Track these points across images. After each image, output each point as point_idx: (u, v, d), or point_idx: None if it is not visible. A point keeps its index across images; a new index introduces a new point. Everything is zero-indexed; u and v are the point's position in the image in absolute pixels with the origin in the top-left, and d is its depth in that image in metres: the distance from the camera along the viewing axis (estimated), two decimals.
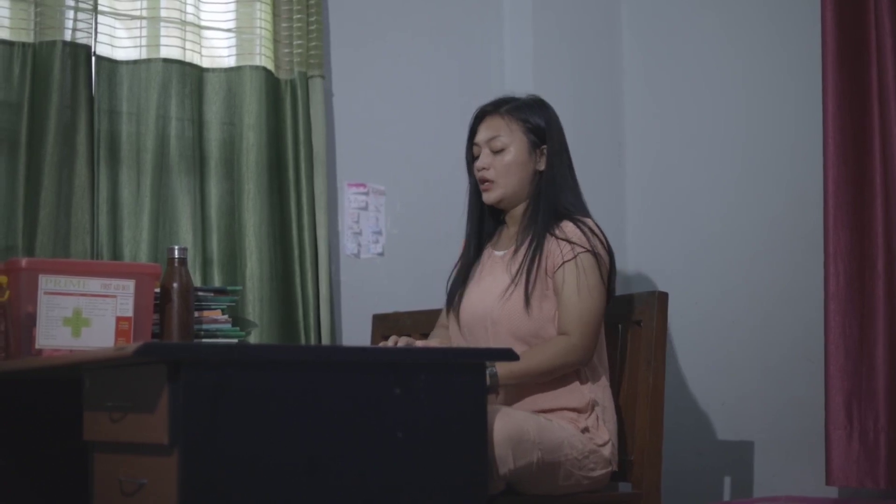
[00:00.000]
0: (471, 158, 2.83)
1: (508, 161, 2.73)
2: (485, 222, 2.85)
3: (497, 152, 2.74)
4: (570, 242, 2.63)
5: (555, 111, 2.82)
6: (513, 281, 2.65)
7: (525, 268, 2.65)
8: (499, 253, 2.78)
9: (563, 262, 2.63)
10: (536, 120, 2.76)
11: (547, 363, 2.58)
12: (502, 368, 2.53)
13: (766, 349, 3.38)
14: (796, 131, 3.35)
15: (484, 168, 2.75)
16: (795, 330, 3.30)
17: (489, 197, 2.76)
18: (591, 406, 2.64)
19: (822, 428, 3.03)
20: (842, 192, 3.02)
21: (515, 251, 2.72)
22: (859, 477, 2.95)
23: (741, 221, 3.49)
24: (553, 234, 2.66)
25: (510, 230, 2.81)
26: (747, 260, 3.46)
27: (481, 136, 2.77)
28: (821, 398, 3.05)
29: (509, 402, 2.63)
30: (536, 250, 2.66)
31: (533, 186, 2.75)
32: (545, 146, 2.75)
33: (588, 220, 2.69)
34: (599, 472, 2.61)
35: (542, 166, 2.74)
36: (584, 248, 2.62)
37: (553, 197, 2.71)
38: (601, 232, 2.69)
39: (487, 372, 2.48)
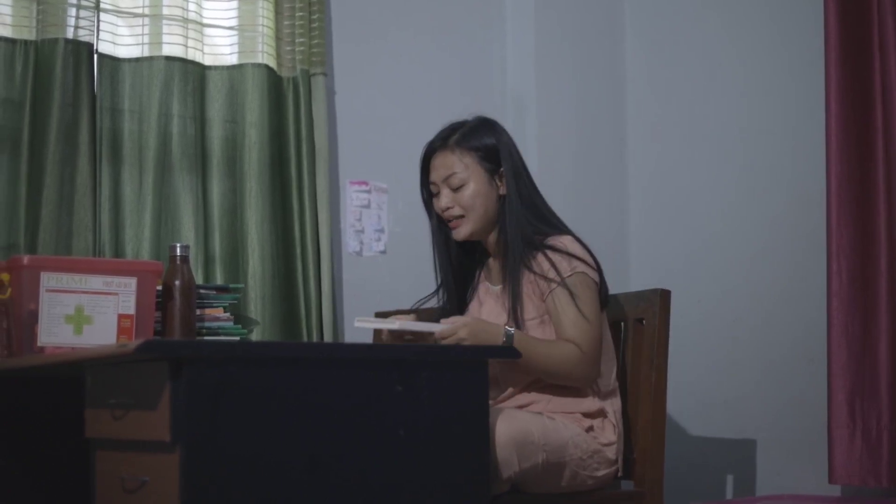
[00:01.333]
0: (428, 197, 2.73)
1: (470, 195, 2.63)
2: (454, 257, 2.76)
3: (457, 189, 2.64)
4: (546, 278, 2.57)
5: (504, 129, 2.72)
6: (509, 317, 2.62)
7: (511, 307, 2.61)
8: (494, 288, 2.73)
9: (548, 295, 2.58)
10: (487, 145, 2.65)
11: (556, 360, 2.53)
12: (518, 337, 2.49)
13: (768, 347, 3.38)
14: (798, 129, 3.35)
15: (448, 207, 2.66)
16: (797, 328, 3.30)
17: (459, 233, 2.67)
18: (601, 412, 2.63)
19: (824, 426, 3.03)
20: (844, 189, 3.02)
21: (504, 288, 2.67)
22: (862, 475, 2.94)
23: (743, 220, 3.49)
24: (531, 270, 2.59)
25: (497, 262, 2.74)
26: (749, 258, 3.46)
27: (436, 174, 2.66)
28: (823, 396, 3.05)
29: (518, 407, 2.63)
30: (517, 289, 2.60)
31: (499, 212, 2.66)
32: (502, 169, 2.66)
33: (558, 241, 2.61)
34: (604, 472, 2.60)
35: (503, 190, 2.66)
36: (556, 281, 2.56)
37: (517, 225, 2.62)
38: (577, 245, 2.62)
39: (504, 332, 2.47)
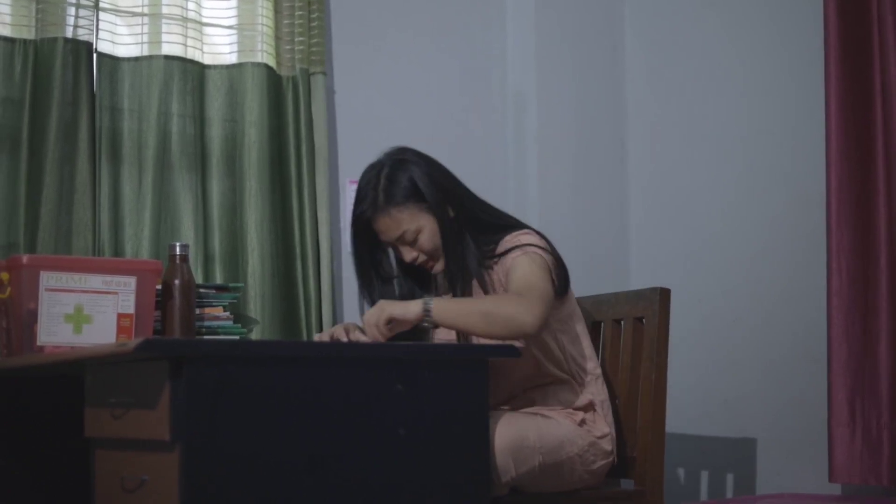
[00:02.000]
0: (368, 255, 2.66)
1: (428, 239, 2.58)
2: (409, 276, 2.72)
3: (414, 241, 2.59)
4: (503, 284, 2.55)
5: (415, 153, 2.63)
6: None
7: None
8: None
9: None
10: (411, 187, 2.57)
11: (490, 304, 2.43)
12: (438, 303, 2.40)
13: (768, 346, 3.38)
14: (798, 129, 3.35)
15: (415, 258, 2.61)
16: (797, 327, 3.30)
17: (437, 269, 2.63)
18: (590, 405, 2.65)
19: (824, 425, 3.02)
20: (845, 189, 3.01)
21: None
22: (862, 474, 2.94)
23: (743, 219, 3.49)
24: (485, 290, 2.57)
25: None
26: (749, 257, 3.46)
27: (387, 237, 2.60)
28: (823, 395, 3.05)
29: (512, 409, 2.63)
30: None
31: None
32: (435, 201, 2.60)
33: (514, 239, 2.57)
34: (600, 464, 2.62)
35: (452, 213, 2.60)
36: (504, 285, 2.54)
37: (459, 258, 2.58)
38: (534, 237, 2.58)
39: (423, 302, 2.38)
